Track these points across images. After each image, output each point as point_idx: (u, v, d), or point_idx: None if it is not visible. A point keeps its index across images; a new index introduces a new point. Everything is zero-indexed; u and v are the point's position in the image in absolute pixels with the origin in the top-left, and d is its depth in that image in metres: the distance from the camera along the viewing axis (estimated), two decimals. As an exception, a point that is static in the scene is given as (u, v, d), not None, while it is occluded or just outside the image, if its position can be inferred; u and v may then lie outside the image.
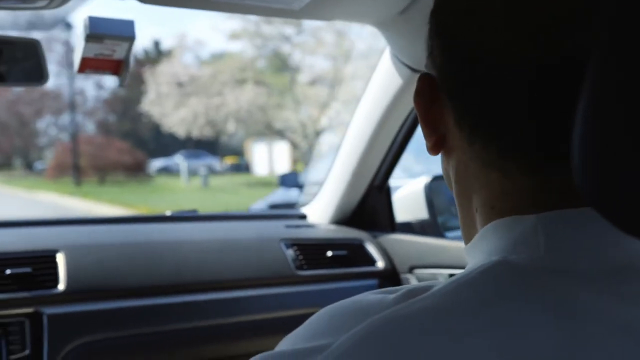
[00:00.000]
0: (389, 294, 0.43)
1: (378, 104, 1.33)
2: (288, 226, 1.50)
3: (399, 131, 1.41)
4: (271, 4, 0.91)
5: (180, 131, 17.92)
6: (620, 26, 0.32)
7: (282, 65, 17.56)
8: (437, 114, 0.48)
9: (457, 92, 0.45)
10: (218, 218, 1.57)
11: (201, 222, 1.52)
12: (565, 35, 0.40)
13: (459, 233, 1.89)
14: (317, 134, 18.01)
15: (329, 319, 0.43)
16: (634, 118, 0.31)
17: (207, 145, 22.80)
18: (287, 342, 0.44)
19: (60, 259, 1.13)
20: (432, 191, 1.65)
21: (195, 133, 18.11)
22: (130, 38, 0.92)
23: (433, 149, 0.49)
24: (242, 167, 21.89)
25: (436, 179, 1.68)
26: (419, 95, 0.49)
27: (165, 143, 22.62)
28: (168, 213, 1.54)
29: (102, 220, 1.41)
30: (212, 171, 18.87)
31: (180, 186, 17.41)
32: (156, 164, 21.54)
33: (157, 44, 26.44)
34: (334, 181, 1.56)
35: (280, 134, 18.16)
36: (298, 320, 1.49)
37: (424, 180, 1.65)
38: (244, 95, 16.98)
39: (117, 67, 0.97)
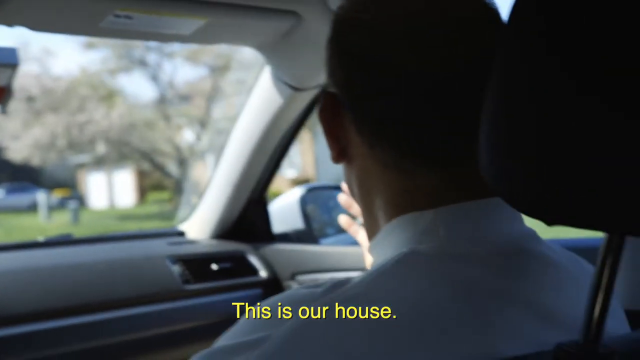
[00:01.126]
0: (316, 288, 0.49)
1: (258, 120, 1.45)
2: (170, 243, 1.59)
3: (277, 146, 1.54)
4: (162, 30, 1.00)
5: (31, 156, 15.60)
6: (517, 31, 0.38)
7: (150, 77, 16.02)
8: (339, 127, 0.57)
9: (358, 104, 0.54)
10: (95, 240, 1.61)
11: (78, 245, 1.56)
12: (454, 49, 0.50)
13: (332, 239, 2.07)
14: (197, 158, 16.23)
15: (263, 314, 0.48)
16: (536, 115, 0.37)
17: (28, 177, 19.63)
18: (226, 338, 0.49)
19: None
20: (306, 202, 1.83)
21: (53, 157, 16.05)
22: (14, 65, 0.99)
23: (337, 157, 0.58)
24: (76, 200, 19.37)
25: (310, 190, 1.86)
26: (323, 110, 0.57)
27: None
28: (41, 239, 1.56)
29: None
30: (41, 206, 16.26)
31: (39, 224, 14.93)
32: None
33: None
34: (212, 197, 1.65)
35: (146, 157, 16.40)
36: (189, 334, 1.61)
37: (298, 191, 1.82)
38: (115, 111, 15.21)
39: None
